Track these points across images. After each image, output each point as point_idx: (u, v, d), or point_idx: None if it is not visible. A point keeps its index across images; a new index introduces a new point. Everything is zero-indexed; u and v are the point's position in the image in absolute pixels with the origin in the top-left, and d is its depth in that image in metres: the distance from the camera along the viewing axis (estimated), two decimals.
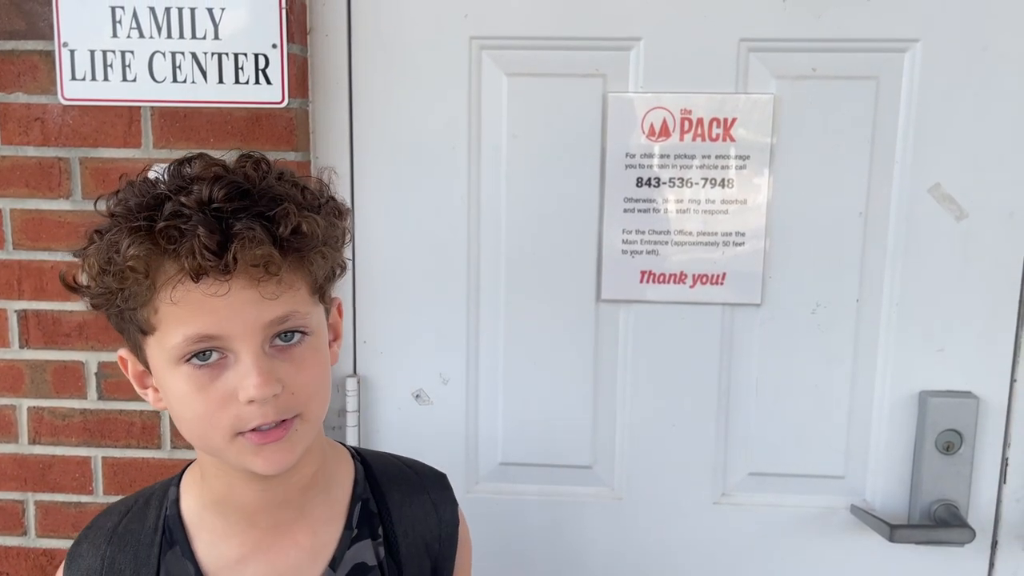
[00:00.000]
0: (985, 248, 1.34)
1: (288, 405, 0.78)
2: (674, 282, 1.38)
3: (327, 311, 0.87)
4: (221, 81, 1.30)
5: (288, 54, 1.29)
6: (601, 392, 1.43)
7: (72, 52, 1.30)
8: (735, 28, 1.32)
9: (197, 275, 0.73)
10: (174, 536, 0.87)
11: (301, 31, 1.33)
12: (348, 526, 0.91)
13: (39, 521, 1.45)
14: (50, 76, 1.32)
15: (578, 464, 1.45)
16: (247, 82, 1.30)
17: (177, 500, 0.90)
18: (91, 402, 1.41)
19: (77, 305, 1.38)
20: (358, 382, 1.43)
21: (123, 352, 0.85)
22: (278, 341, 0.78)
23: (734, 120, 1.33)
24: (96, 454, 1.42)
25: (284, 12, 1.28)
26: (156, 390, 0.83)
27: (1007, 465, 1.39)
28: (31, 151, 1.34)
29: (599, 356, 1.42)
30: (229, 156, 0.81)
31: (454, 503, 1.01)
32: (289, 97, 1.30)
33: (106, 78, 1.31)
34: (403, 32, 1.35)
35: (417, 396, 1.44)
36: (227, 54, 1.29)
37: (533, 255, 1.40)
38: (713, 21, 1.32)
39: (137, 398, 1.39)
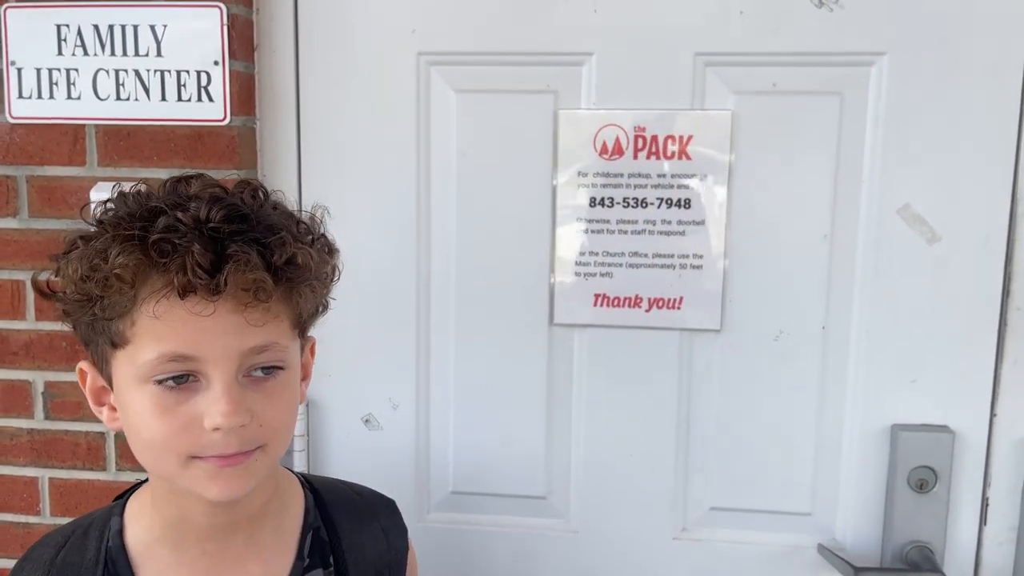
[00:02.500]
0: (960, 273, 1.26)
1: (253, 436, 0.76)
2: (629, 306, 1.32)
3: (302, 348, 0.86)
4: (164, 99, 1.28)
5: (231, 71, 1.27)
6: (555, 420, 1.37)
7: (19, 70, 1.30)
8: (690, 42, 1.26)
9: (184, 292, 0.72)
10: (117, 569, 0.84)
11: (246, 48, 1.31)
12: (300, 556, 0.90)
13: None
14: None
15: (532, 494, 1.40)
16: (189, 99, 1.28)
17: (121, 531, 0.86)
18: (38, 421, 1.39)
19: (25, 323, 1.37)
20: (307, 405, 1.39)
21: (84, 365, 0.83)
22: (254, 373, 0.77)
23: (690, 137, 1.28)
24: (43, 474, 1.41)
25: (226, 29, 1.26)
26: (113, 408, 0.81)
27: (987, 506, 1.30)
28: None
29: (552, 382, 1.36)
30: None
31: (403, 529, 1.01)
32: (232, 114, 1.28)
33: (51, 96, 1.30)
34: (350, 49, 1.32)
35: (367, 421, 1.40)
36: (169, 71, 1.28)
37: (484, 277, 1.35)
38: (667, 35, 1.26)
39: (83, 418, 1.38)
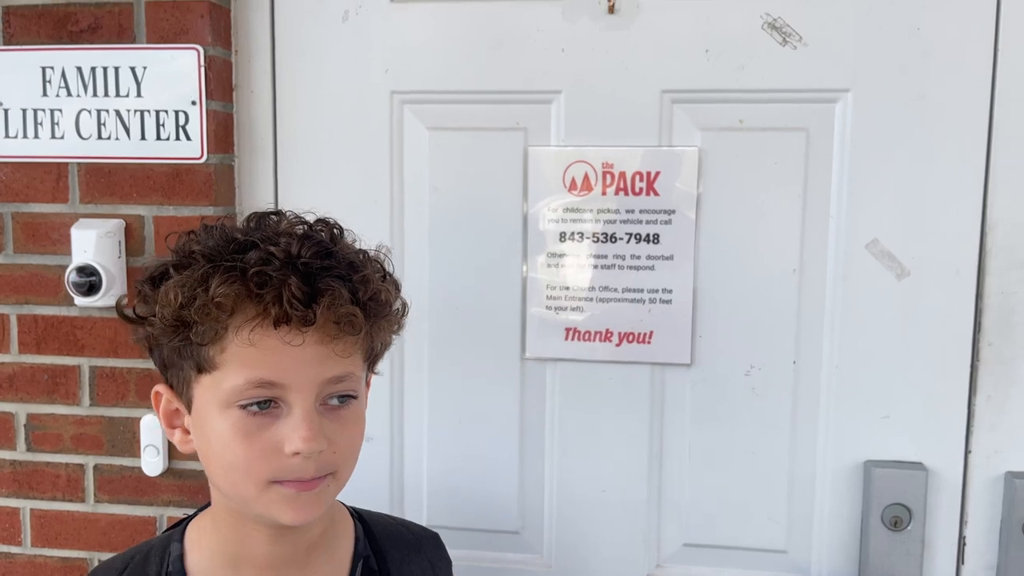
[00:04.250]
0: (931, 307, 1.25)
1: (328, 462, 0.80)
2: (600, 340, 1.33)
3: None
4: (143, 138, 1.32)
5: (208, 111, 1.31)
6: (528, 454, 1.37)
7: (6, 111, 1.34)
8: (657, 80, 1.28)
9: (279, 322, 0.76)
10: None
11: (224, 88, 1.34)
12: None
13: None
14: None
15: (506, 529, 1.39)
16: (168, 138, 1.31)
17: (181, 556, 0.88)
18: (20, 453, 1.42)
19: (9, 356, 1.40)
20: None
21: (160, 388, 0.86)
22: (329, 401, 0.81)
23: (657, 173, 1.29)
24: (25, 505, 1.43)
25: (203, 70, 1.29)
26: (186, 431, 0.85)
27: (965, 545, 1.28)
28: None
29: (525, 416, 1.37)
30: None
31: (448, 561, 1.04)
32: (209, 152, 1.31)
33: (36, 135, 1.34)
34: (326, 88, 1.35)
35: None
36: (149, 111, 1.31)
37: (457, 311, 1.36)
38: (634, 73, 1.28)
39: (63, 450, 1.40)
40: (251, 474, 0.78)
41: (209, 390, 0.79)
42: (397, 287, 0.89)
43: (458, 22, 1.31)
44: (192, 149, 1.31)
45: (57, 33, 1.32)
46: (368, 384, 0.92)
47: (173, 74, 1.30)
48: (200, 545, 0.89)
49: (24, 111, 1.34)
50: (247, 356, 0.77)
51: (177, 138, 1.31)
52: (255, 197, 1.39)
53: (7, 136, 1.35)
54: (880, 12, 1.22)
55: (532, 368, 1.36)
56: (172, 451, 1.37)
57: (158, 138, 1.32)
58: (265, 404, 0.78)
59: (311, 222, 0.86)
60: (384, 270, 0.87)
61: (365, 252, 0.87)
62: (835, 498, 1.30)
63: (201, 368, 0.79)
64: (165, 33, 1.30)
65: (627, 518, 1.36)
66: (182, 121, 1.31)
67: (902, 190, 1.24)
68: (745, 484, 1.32)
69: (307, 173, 1.37)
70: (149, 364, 1.36)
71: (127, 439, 1.38)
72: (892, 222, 1.25)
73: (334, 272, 0.78)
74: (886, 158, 1.24)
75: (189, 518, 0.94)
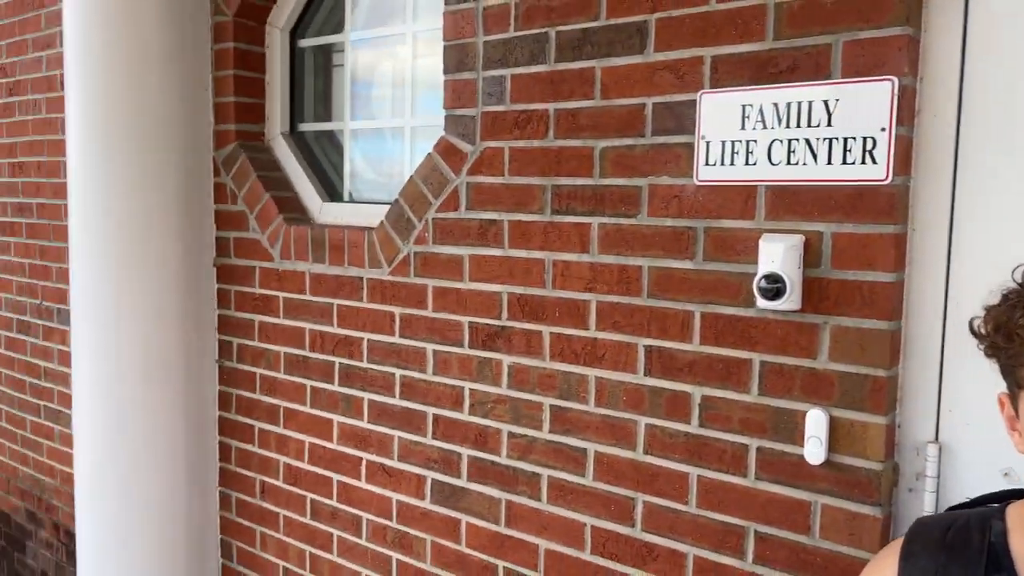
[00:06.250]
0: None
1: None
2: None
3: None
4: (829, 162, 1.47)
5: (895, 135, 1.41)
6: None
7: (707, 143, 1.62)
8: None
9: None
10: (1001, 563, 0.98)
11: (909, 113, 1.43)
12: None
13: (644, 518, 1.79)
14: (688, 162, 1.65)
15: None
16: (853, 162, 1.45)
17: (1004, 533, 1.00)
18: (693, 427, 1.70)
19: (691, 346, 1.69)
20: (939, 449, 1.45)
21: (1002, 395, 1.02)
22: None
23: None
24: (693, 472, 1.71)
25: (896, 100, 1.40)
26: (1021, 435, 0.99)
27: None
28: (668, 221, 1.69)
29: None
30: None
31: None
32: (893, 175, 1.42)
33: (732, 163, 1.59)
34: (1011, 116, 1.35)
35: (1006, 474, 1.40)
36: (837, 138, 1.46)
37: None
38: None
39: (731, 431, 1.64)
40: None
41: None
42: None
43: None
44: (877, 172, 1.43)
45: (757, 75, 1.55)
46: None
47: (864, 104, 1.43)
48: (1021, 530, 0.98)
49: (723, 143, 1.60)
50: None
51: (863, 162, 1.44)
52: (928, 216, 1.45)
53: (706, 164, 1.62)
54: None
55: None
56: (832, 444, 1.52)
57: (843, 162, 1.46)
58: None
59: None
60: None
61: None
62: None
63: (1019, 384, 0.90)
64: (860, 67, 1.43)
65: None
66: (869, 146, 1.43)
67: None
68: None
69: (986, 193, 1.39)
70: (816, 364, 1.53)
71: (789, 428, 1.57)
72: None
73: None
74: None
75: (1005, 501, 1.03)
